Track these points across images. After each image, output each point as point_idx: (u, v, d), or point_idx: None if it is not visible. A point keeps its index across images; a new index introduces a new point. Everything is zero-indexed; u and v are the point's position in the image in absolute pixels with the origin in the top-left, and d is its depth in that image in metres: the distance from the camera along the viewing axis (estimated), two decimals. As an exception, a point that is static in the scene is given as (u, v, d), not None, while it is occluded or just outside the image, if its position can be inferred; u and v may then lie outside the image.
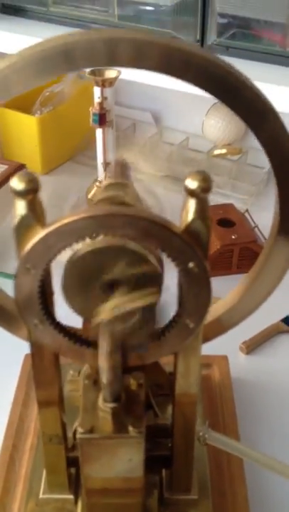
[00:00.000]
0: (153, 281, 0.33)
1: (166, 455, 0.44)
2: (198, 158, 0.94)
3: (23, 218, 0.32)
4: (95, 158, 0.73)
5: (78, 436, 0.36)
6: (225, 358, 0.58)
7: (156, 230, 0.31)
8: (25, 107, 0.91)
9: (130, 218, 0.30)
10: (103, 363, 0.35)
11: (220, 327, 0.41)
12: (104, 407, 0.36)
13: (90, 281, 0.33)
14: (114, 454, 0.37)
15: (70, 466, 0.45)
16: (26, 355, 0.58)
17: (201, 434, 0.45)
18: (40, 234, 0.31)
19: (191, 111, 0.96)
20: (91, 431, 0.36)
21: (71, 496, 0.45)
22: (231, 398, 0.54)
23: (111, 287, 0.34)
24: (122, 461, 0.37)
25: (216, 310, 0.40)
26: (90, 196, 0.75)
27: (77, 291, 0.34)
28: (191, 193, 0.31)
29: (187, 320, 0.34)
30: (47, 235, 0.31)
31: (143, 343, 0.36)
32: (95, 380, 0.38)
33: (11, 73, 0.31)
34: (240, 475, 0.47)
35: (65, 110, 0.93)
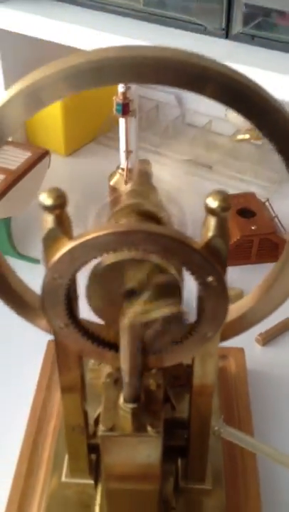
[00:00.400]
0: (173, 291, 0.35)
1: (182, 445, 0.47)
2: (221, 142, 0.94)
3: (51, 231, 0.33)
4: (117, 140, 0.74)
5: (100, 434, 0.38)
6: (241, 350, 0.60)
7: (176, 246, 0.32)
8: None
9: (151, 235, 0.32)
10: (124, 365, 0.36)
11: (241, 326, 0.42)
12: (125, 407, 0.38)
13: (112, 289, 0.35)
14: (133, 450, 0.39)
15: (91, 453, 0.47)
16: (50, 341, 0.60)
17: (216, 428, 0.47)
18: (66, 247, 0.33)
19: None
20: (112, 429, 0.38)
21: (91, 481, 0.48)
22: (246, 392, 0.55)
23: (133, 295, 0.35)
24: (141, 456, 0.40)
25: (238, 309, 0.41)
26: (112, 183, 0.76)
27: (100, 297, 0.35)
28: (211, 211, 0.32)
29: (205, 329, 0.36)
30: (73, 248, 0.32)
31: (163, 348, 0.37)
32: (115, 380, 0.39)
33: (43, 86, 0.32)
34: (253, 468, 0.49)
35: (89, 92, 0.93)
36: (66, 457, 0.49)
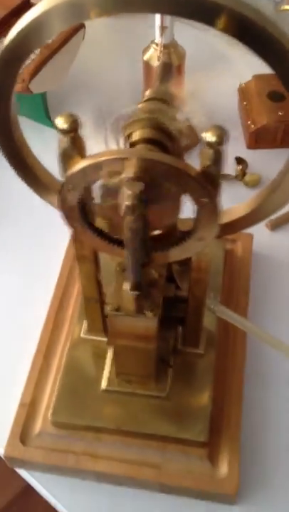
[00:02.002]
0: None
1: (182, 317, 0.55)
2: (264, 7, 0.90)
3: (66, 150, 0.38)
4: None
5: (107, 312, 0.46)
6: (250, 236, 0.65)
7: (176, 173, 0.37)
8: None
9: (154, 163, 0.36)
10: (127, 261, 0.43)
11: (256, 216, 0.46)
12: (129, 293, 0.45)
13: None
14: (134, 325, 0.47)
15: (105, 317, 0.56)
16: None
17: (212, 307, 0.55)
18: (79, 165, 0.38)
19: None
20: (117, 309, 0.46)
21: (105, 339, 0.57)
22: (248, 276, 0.62)
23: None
24: (140, 329, 0.48)
25: (250, 204, 0.45)
26: (145, 58, 0.76)
27: (110, 205, 0.41)
28: (209, 144, 0.36)
29: (201, 235, 0.41)
30: (84, 168, 0.38)
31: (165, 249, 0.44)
32: (123, 269, 0.46)
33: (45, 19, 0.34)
34: (242, 340, 0.58)
35: None
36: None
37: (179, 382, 0.55)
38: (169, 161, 0.36)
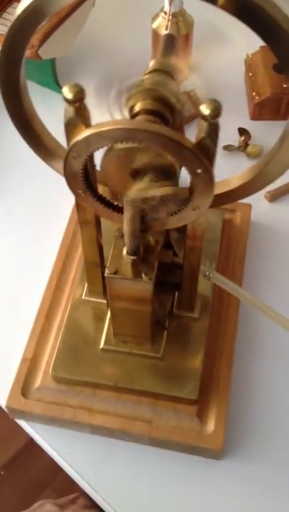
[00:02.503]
0: (171, 176, 0.42)
1: (178, 282, 0.57)
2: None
3: (71, 119, 0.40)
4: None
5: (106, 275, 0.48)
6: (249, 206, 0.67)
7: (173, 145, 0.39)
8: None
9: (153, 134, 0.38)
10: (125, 228, 0.46)
11: (253, 187, 0.47)
12: (126, 257, 0.48)
13: (121, 167, 0.42)
14: (130, 288, 0.50)
15: (104, 280, 0.58)
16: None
17: (207, 273, 0.57)
18: (83, 134, 0.40)
19: None
20: (115, 273, 0.48)
21: (104, 301, 0.60)
22: (245, 246, 0.64)
23: (138, 175, 0.43)
24: (137, 292, 0.50)
25: (247, 174, 0.47)
26: (154, 26, 0.77)
27: (111, 173, 0.43)
28: (204, 117, 0.38)
29: (196, 204, 0.43)
30: (88, 136, 0.39)
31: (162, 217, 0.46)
32: (122, 234, 0.49)
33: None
34: (235, 306, 0.61)
35: None
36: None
37: (173, 344, 0.57)
38: (166, 133, 0.38)
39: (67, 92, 0.39)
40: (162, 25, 0.76)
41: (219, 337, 0.59)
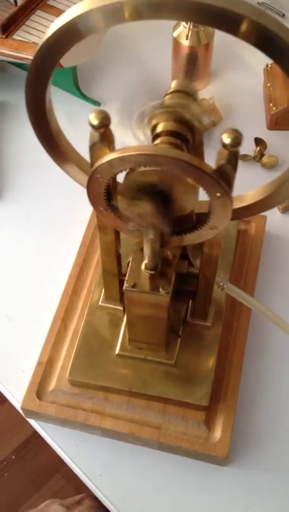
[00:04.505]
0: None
1: (193, 291, 0.59)
2: None
3: (96, 144, 0.42)
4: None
5: (124, 288, 0.50)
6: (264, 218, 0.69)
7: (193, 170, 0.40)
8: None
9: (173, 160, 0.40)
10: (146, 247, 0.47)
11: (270, 203, 0.49)
12: (145, 271, 0.50)
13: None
14: (147, 301, 0.51)
15: (121, 287, 0.60)
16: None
17: (221, 284, 0.59)
18: (106, 157, 0.41)
19: None
20: (133, 286, 0.50)
21: (121, 307, 0.62)
22: (258, 257, 0.66)
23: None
24: (153, 305, 0.52)
25: (264, 191, 0.49)
26: (175, 35, 0.78)
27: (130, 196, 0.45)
28: (224, 145, 0.39)
29: (214, 223, 0.45)
30: (111, 160, 0.41)
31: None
32: (141, 248, 0.50)
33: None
34: (247, 316, 0.62)
35: None
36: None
37: (187, 351, 0.59)
38: (186, 159, 0.40)
39: (93, 119, 0.40)
40: (183, 34, 0.77)
41: (230, 345, 0.61)
